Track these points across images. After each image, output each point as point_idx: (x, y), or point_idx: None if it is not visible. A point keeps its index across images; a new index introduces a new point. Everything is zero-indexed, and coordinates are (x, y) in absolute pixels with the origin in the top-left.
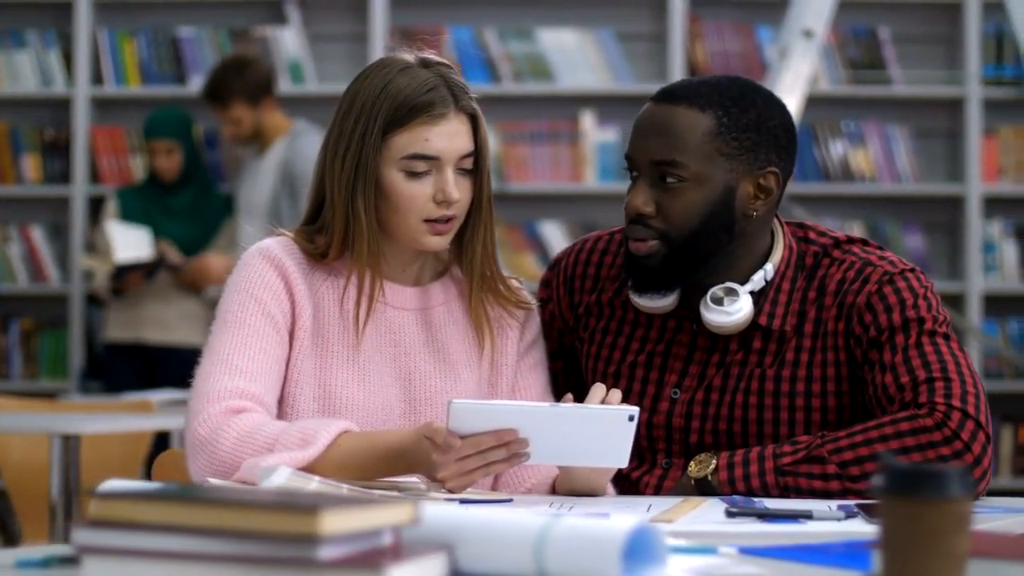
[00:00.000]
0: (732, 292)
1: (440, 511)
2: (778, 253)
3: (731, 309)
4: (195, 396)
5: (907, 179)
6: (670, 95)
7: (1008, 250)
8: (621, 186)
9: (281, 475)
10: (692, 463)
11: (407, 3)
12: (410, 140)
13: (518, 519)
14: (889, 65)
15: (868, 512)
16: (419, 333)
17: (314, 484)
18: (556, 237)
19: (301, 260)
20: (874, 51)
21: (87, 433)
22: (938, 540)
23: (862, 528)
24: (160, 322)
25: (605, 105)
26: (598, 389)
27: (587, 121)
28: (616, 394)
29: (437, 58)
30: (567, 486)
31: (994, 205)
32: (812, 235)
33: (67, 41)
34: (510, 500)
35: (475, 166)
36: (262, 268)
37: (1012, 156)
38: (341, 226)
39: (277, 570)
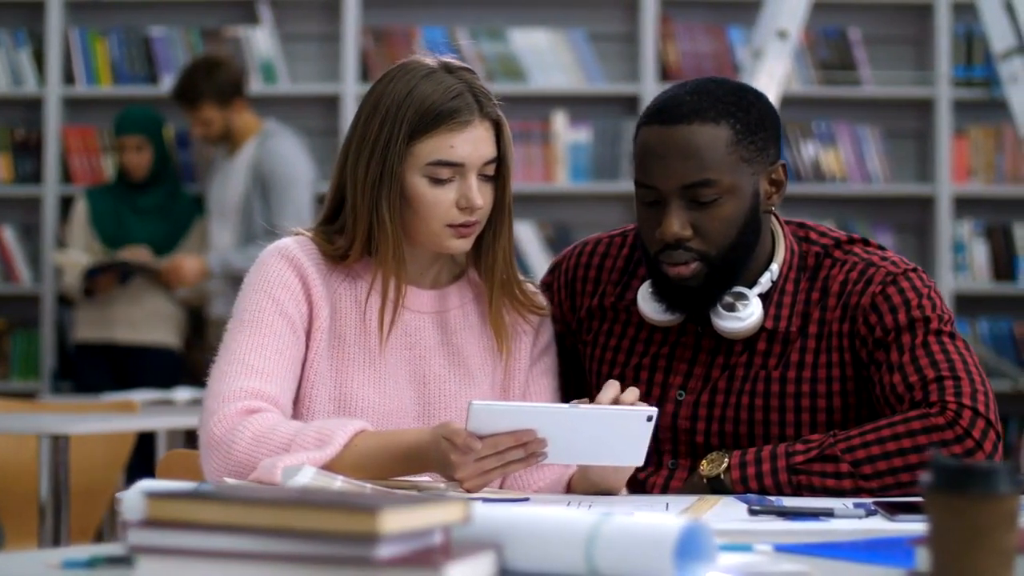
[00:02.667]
0: (741, 296)
1: (487, 510)
2: (781, 254)
3: (743, 315)
4: (210, 395)
5: (877, 179)
6: (676, 115)
7: (978, 250)
8: (593, 187)
9: (306, 474)
10: (704, 462)
11: (379, 3)
12: (435, 147)
13: (568, 518)
14: (860, 66)
15: (886, 510)
16: (435, 336)
17: (338, 483)
18: (528, 237)
19: (319, 261)
20: (845, 52)
21: (76, 434)
22: (987, 537)
23: (885, 526)
24: (131, 322)
25: (577, 105)
26: (611, 387)
27: (559, 121)
28: (632, 392)
29: (459, 63)
30: (584, 484)
31: (964, 205)
32: (813, 235)
33: (38, 41)
34: (527, 499)
35: (497, 172)
36: (280, 268)
37: (982, 157)
38: (364, 230)
39: (335, 569)
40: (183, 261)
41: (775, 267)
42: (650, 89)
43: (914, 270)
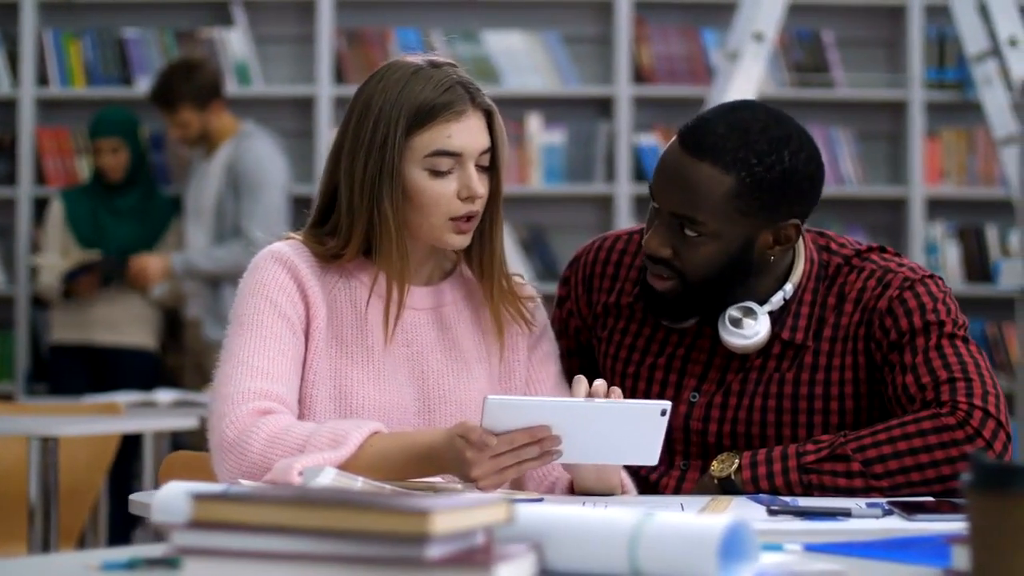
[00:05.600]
0: (750, 312)
1: (528, 511)
2: (799, 270)
3: (748, 332)
4: (219, 399)
5: (850, 181)
6: (696, 145)
7: (951, 252)
8: (568, 188)
9: (327, 475)
10: (715, 462)
11: (353, 5)
12: (433, 138)
13: (609, 518)
14: (833, 68)
15: (903, 510)
16: (431, 332)
17: (359, 484)
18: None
19: (313, 262)
20: (818, 54)
21: (66, 436)
22: None
23: (906, 525)
24: (109, 323)
25: (551, 107)
26: (580, 383)
27: (533, 123)
28: (600, 385)
29: (443, 59)
30: (582, 486)
31: (937, 207)
32: (833, 245)
33: (12, 42)
34: (541, 499)
35: (491, 163)
36: (275, 271)
37: (954, 158)
38: (363, 230)
39: (385, 570)
40: (148, 260)
41: (789, 287)
42: (624, 91)
43: (931, 276)
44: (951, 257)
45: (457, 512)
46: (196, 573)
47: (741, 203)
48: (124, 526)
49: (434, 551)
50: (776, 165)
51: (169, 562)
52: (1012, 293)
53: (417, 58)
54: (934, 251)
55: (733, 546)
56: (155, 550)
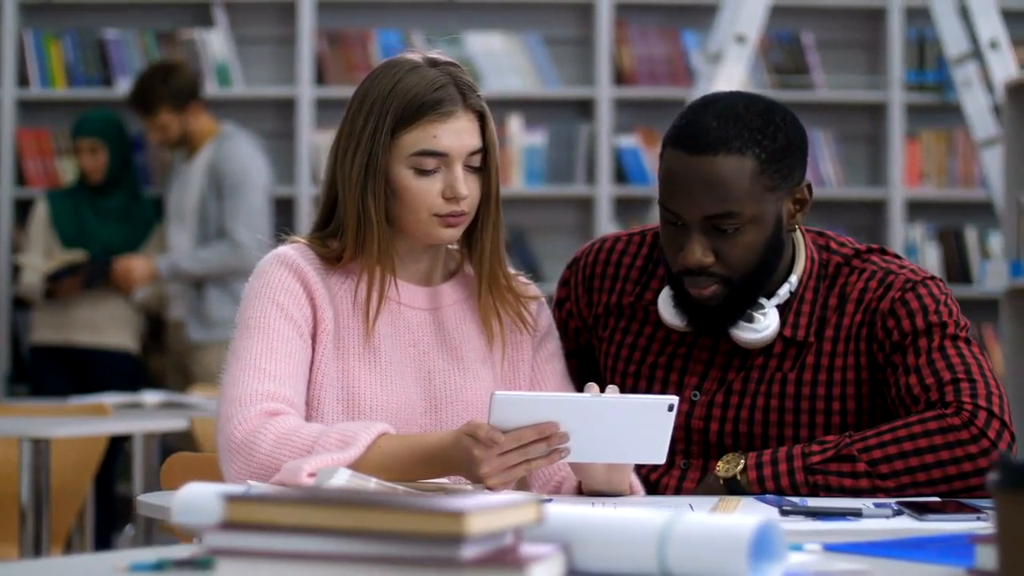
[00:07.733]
0: (758, 307)
1: (557, 511)
2: (801, 264)
3: (759, 327)
4: (226, 401)
5: (830, 183)
6: (702, 145)
7: (930, 253)
8: (548, 190)
9: (342, 476)
10: (720, 463)
11: (334, 6)
12: (419, 137)
13: (638, 518)
14: (812, 70)
15: (913, 510)
16: (435, 332)
17: (372, 484)
18: None
19: (318, 265)
20: (798, 56)
21: (57, 437)
22: None
23: (918, 525)
24: (90, 325)
25: (532, 109)
26: (591, 388)
27: (514, 125)
28: (612, 389)
29: (445, 58)
30: (592, 487)
31: (916, 209)
32: (833, 245)
33: None
34: (550, 500)
35: (484, 164)
36: (281, 274)
37: (934, 160)
38: (353, 225)
39: (419, 570)
40: (133, 262)
41: (794, 279)
42: (605, 93)
43: (932, 278)
44: (930, 259)
45: (490, 512)
46: (229, 574)
47: (765, 179)
48: (106, 528)
49: (469, 551)
50: (777, 133)
51: (199, 563)
52: (996, 295)
53: (418, 56)
54: (913, 253)
55: (762, 546)
56: (182, 551)
